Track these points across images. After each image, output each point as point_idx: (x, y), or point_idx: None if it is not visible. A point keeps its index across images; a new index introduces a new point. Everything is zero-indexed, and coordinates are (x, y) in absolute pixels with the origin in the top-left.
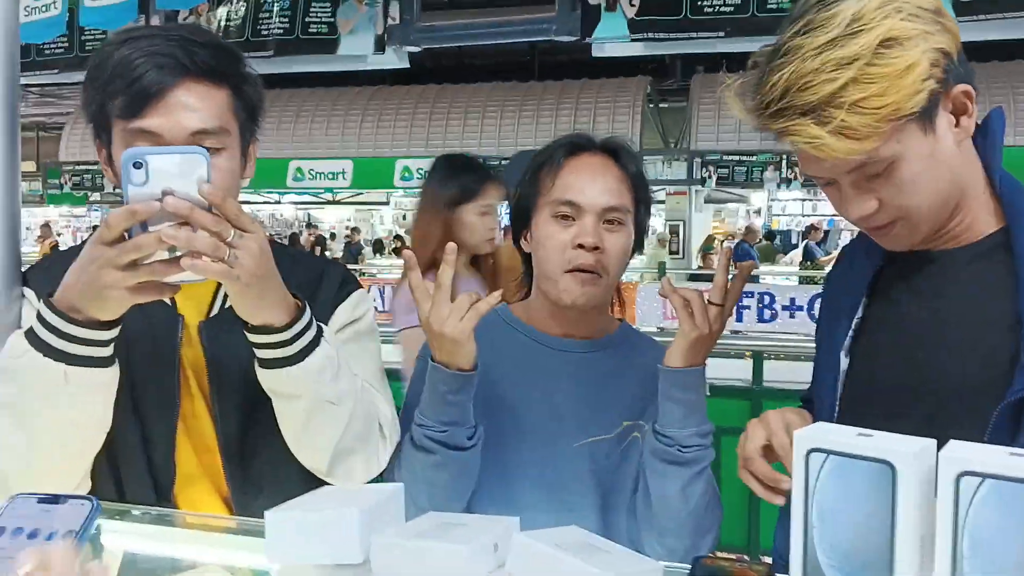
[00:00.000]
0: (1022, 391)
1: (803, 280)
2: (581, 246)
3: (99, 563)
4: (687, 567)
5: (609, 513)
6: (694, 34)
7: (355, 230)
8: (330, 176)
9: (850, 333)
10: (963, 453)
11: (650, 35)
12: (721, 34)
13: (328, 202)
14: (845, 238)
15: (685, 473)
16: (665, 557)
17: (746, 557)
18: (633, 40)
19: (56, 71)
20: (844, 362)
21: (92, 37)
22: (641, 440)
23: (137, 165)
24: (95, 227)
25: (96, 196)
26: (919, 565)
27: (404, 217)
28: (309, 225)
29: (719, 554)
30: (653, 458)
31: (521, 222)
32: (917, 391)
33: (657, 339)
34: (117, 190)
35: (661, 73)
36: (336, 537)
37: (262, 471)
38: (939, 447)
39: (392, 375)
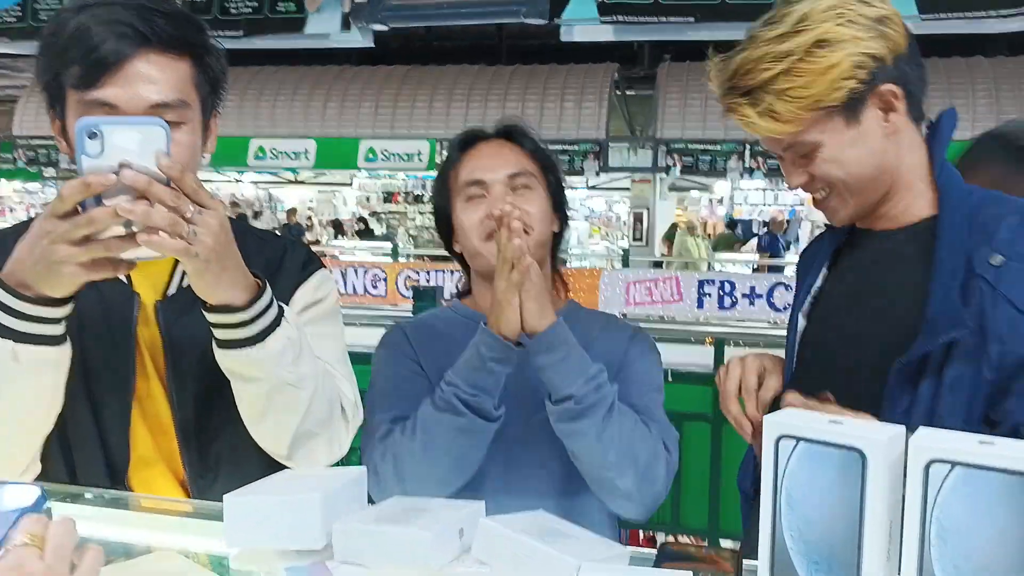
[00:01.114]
0: (919, 352)
1: (757, 269)
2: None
3: (95, 544)
4: (652, 551)
5: (577, 493)
6: (663, 18)
7: (291, 211)
8: (292, 156)
9: (808, 299)
10: (932, 441)
11: (619, 18)
12: (691, 19)
13: (290, 182)
14: (806, 228)
15: (590, 423)
16: (630, 510)
17: (704, 543)
18: (602, 23)
19: (7, 40)
20: (801, 323)
21: (47, 7)
22: None
23: (92, 135)
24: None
25: (51, 171)
26: (886, 552)
27: (368, 199)
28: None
29: (685, 540)
30: (560, 424)
31: (448, 230)
32: (847, 349)
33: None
34: (72, 165)
35: (629, 61)
36: (297, 522)
37: (219, 454)
38: (856, 401)
39: (359, 358)
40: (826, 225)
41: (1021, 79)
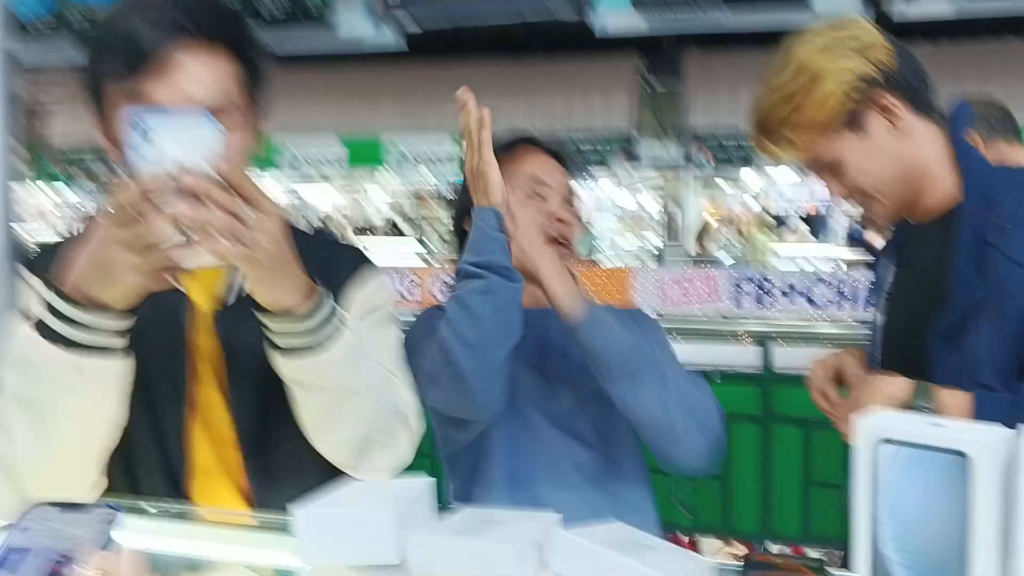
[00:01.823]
0: (943, 326)
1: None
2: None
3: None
4: (739, 565)
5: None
6: (696, 7)
7: (326, 218)
8: (321, 157)
9: (885, 294)
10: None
11: (652, 6)
12: (720, 3)
13: (318, 182)
14: (841, 220)
15: (648, 379)
16: (694, 462)
17: (791, 551)
18: (635, 7)
19: (40, 49)
20: (880, 319)
21: (81, 16)
22: None
23: (142, 130)
24: (90, 217)
25: (90, 184)
26: (999, 563)
27: (398, 201)
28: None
29: (770, 551)
30: (618, 386)
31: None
32: (908, 336)
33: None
34: (111, 177)
35: (655, 52)
36: (370, 536)
37: (281, 463)
38: (922, 378)
39: None
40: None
41: None
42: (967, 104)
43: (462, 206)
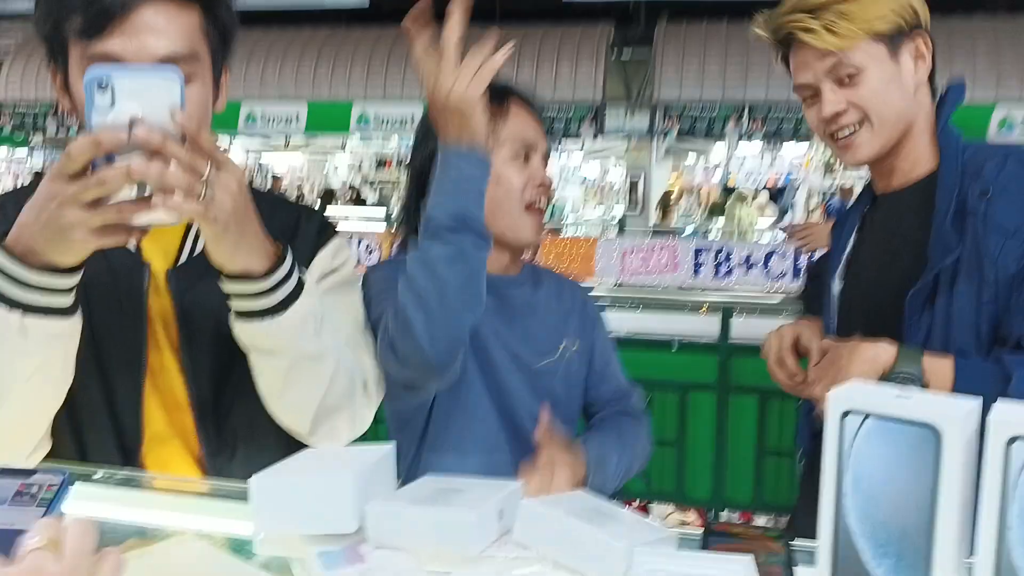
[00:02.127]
0: (923, 284)
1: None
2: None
3: (115, 547)
4: (699, 532)
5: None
6: None
7: (277, 179)
8: (283, 120)
9: (843, 262)
10: (1013, 416)
11: None
12: None
13: (280, 147)
14: (802, 194)
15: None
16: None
17: (755, 523)
18: None
19: None
20: (837, 285)
21: None
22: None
23: (102, 86)
24: (38, 173)
25: (38, 138)
26: (960, 536)
27: (360, 166)
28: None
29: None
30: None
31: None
32: (874, 300)
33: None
34: (60, 132)
35: (625, 21)
36: (328, 504)
37: (237, 430)
38: (878, 335)
39: None
40: (855, 196)
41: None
42: (962, 87)
43: (426, 146)
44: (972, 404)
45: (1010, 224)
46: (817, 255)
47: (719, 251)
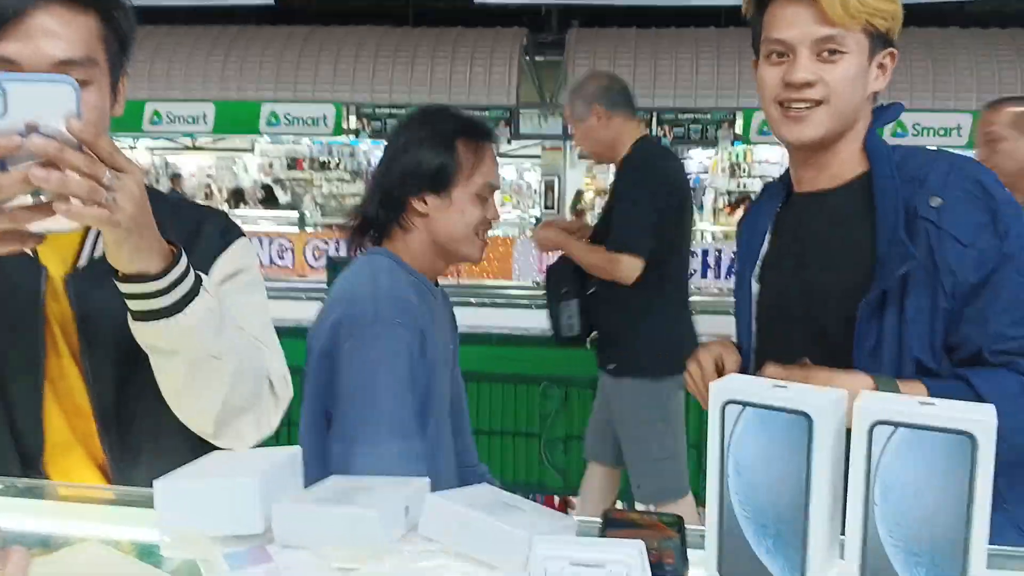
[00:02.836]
0: (876, 292)
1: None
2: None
3: (19, 546)
4: (598, 520)
5: None
6: None
7: (175, 177)
8: (190, 120)
9: (758, 263)
10: (876, 403)
11: None
12: None
13: (188, 148)
14: (710, 196)
15: None
16: None
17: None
18: None
19: None
20: (755, 287)
21: None
22: None
23: None
24: None
25: None
26: (831, 513)
27: (271, 165)
28: (174, 175)
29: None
30: None
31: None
32: (808, 304)
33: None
34: None
35: (537, 26)
36: (234, 506)
37: (141, 435)
38: (823, 350)
39: (288, 332)
40: (759, 193)
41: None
42: (900, 107)
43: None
44: (839, 393)
45: (965, 235)
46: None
47: None
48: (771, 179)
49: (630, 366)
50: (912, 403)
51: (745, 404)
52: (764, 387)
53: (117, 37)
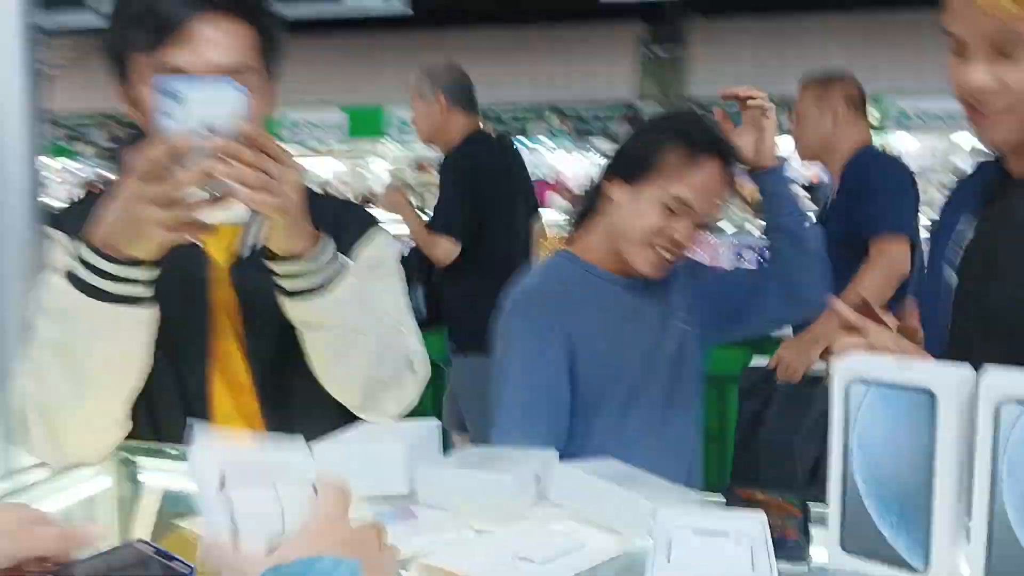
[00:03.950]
0: None
1: None
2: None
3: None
4: (721, 497)
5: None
6: None
7: (92, 184)
8: (322, 127)
9: (960, 253)
10: (1004, 380)
11: None
12: None
13: (317, 152)
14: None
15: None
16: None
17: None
18: None
19: (45, 13)
20: (953, 279)
21: None
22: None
23: (173, 96)
24: (90, 182)
25: (90, 150)
26: (957, 493)
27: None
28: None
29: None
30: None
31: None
32: (1007, 316)
33: None
34: (110, 143)
35: (655, 19)
36: (382, 469)
37: (296, 409)
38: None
39: None
40: (975, 169)
41: None
42: None
43: None
44: (966, 371)
45: None
46: None
47: (764, 249)
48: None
49: (466, 344)
50: None
51: (869, 382)
52: (887, 365)
53: (271, 46)
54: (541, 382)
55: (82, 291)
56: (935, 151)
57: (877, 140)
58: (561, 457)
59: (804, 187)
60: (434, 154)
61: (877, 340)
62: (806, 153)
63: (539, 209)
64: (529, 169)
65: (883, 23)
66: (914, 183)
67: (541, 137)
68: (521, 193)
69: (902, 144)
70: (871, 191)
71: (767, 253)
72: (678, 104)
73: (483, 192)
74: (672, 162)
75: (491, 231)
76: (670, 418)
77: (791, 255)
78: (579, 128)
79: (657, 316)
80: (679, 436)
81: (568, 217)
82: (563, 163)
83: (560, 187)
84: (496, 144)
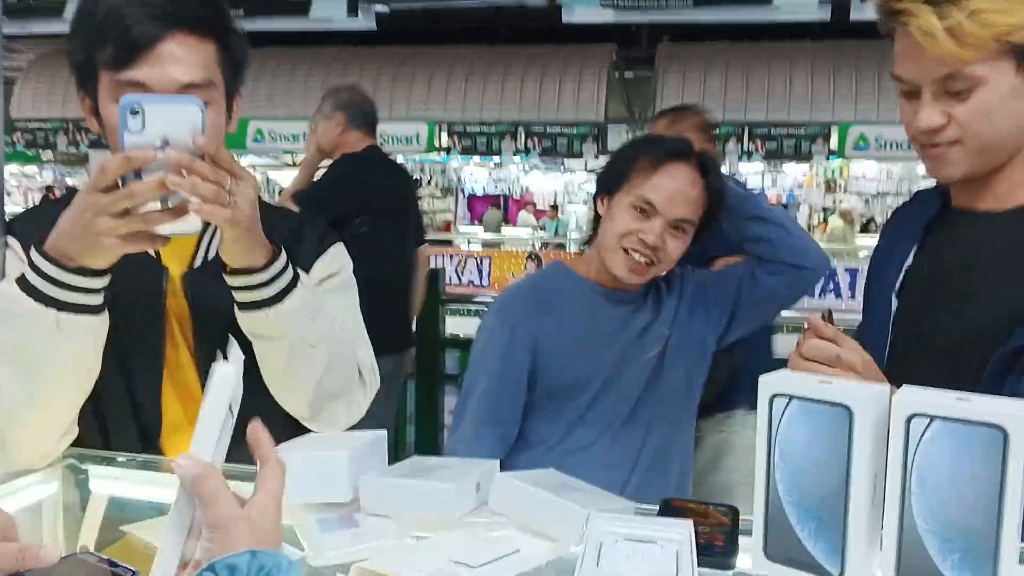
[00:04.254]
0: (1010, 347)
1: None
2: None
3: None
4: (655, 507)
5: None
6: (663, 1)
7: (49, 188)
8: (291, 138)
9: (900, 277)
10: (913, 396)
11: (620, 2)
12: (690, 2)
13: (288, 165)
14: (804, 211)
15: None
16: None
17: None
18: (603, 6)
19: (6, 20)
20: (895, 304)
21: None
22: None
23: (134, 112)
24: (47, 187)
25: (48, 154)
26: (871, 501)
27: None
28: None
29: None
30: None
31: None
32: (949, 336)
33: None
34: (71, 148)
35: (628, 42)
36: (327, 477)
37: (246, 419)
38: (958, 386)
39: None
40: (908, 200)
41: None
42: None
43: None
44: (881, 387)
45: None
46: None
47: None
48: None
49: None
50: (948, 397)
51: (791, 396)
52: (810, 381)
53: (233, 62)
54: (503, 377)
55: (33, 297)
56: (891, 175)
57: (838, 164)
58: (518, 456)
59: None
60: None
61: (847, 355)
62: None
63: (424, 242)
64: (500, 186)
65: (847, 52)
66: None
67: (511, 156)
68: (403, 218)
69: (861, 169)
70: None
71: (754, 245)
72: (644, 126)
73: (353, 201)
74: (640, 169)
75: (360, 246)
76: (641, 430)
77: (770, 232)
78: (547, 147)
79: (638, 329)
80: (658, 448)
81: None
82: (532, 182)
83: (528, 205)
84: (385, 165)
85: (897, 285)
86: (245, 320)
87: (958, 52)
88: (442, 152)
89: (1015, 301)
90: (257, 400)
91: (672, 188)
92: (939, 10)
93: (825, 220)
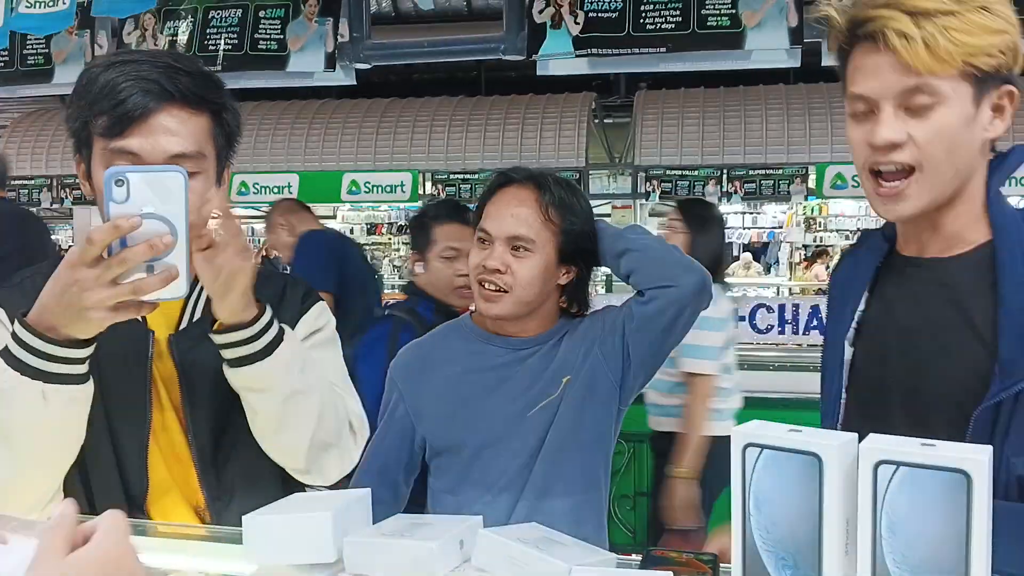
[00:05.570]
0: (996, 397)
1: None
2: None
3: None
4: (638, 558)
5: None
6: (636, 50)
7: (265, 244)
8: (275, 190)
9: (853, 324)
10: (880, 444)
11: (593, 51)
12: (662, 50)
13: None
14: (785, 250)
15: None
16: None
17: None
18: (577, 56)
19: None
20: (848, 351)
21: (34, 51)
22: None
23: (119, 183)
24: None
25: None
26: (844, 547)
27: (351, 231)
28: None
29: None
30: None
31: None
32: (910, 391)
33: None
34: (55, 206)
35: (606, 90)
36: (311, 538)
37: (235, 478)
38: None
39: None
40: (856, 241)
41: None
42: (1021, 153)
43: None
44: (849, 436)
45: None
46: None
47: None
48: (869, 228)
49: None
50: (914, 444)
51: (763, 447)
52: (780, 431)
53: (224, 133)
54: (385, 439)
55: (19, 371)
56: (871, 211)
57: (816, 203)
58: (415, 504)
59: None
60: (383, 215)
61: None
62: None
63: None
64: None
65: (820, 94)
66: None
67: None
68: None
69: (839, 207)
70: None
71: (628, 279)
72: (624, 170)
73: None
74: (480, 206)
75: None
76: (536, 479)
77: (636, 262)
78: None
79: (529, 377)
80: (560, 495)
81: None
82: None
83: None
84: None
85: (851, 332)
86: (236, 376)
87: (929, 64)
88: (427, 200)
89: (968, 354)
90: (247, 458)
91: (499, 211)
92: (915, 20)
93: (807, 258)
